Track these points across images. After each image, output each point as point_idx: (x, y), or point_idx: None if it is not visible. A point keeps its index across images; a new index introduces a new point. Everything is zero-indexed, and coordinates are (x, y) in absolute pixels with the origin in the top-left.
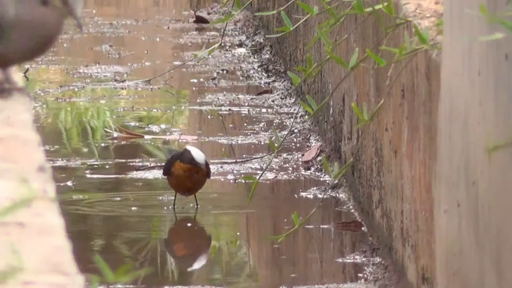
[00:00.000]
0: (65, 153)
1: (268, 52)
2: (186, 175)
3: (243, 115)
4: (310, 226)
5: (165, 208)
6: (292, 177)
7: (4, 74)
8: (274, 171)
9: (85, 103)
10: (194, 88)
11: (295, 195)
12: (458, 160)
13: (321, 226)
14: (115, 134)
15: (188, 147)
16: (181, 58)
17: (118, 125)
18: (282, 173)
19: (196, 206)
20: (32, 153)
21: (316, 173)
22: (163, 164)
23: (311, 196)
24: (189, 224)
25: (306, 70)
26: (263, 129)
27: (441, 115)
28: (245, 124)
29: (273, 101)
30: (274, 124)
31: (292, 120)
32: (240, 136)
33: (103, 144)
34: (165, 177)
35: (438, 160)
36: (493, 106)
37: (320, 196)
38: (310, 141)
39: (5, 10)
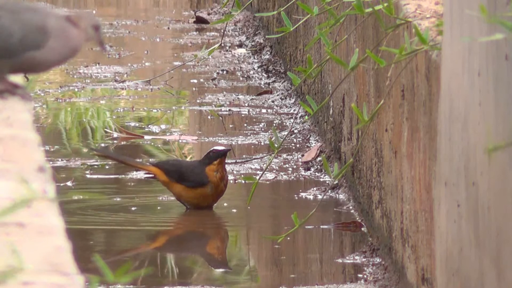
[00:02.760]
0: (65, 153)
1: (268, 53)
2: (220, 177)
3: (243, 115)
4: (310, 227)
5: (165, 208)
6: (292, 177)
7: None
8: (274, 171)
9: (85, 103)
10: (194, 89)
11: (295, 195)
12: (458, 160)
13: (321, 227)
14: (115, 135)
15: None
16: (181, 59)
17: (118, 125)
18: (282, 173)
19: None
20: (32, 153)
21: (316, 173)
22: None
23: (311, 197)
24: (189, 224)
25: (306, 70)
26: (263, 129)
27: (441, 115)
28: (245, 125)
29: (273, 101)
30: (274, 124)
31: (292, 120)
32: (240, 136)
33: (103, 145)
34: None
35: (438, 160)
36: (493, 106)
37: (320, 196)
38: (310, 141)
39: (47, 19)
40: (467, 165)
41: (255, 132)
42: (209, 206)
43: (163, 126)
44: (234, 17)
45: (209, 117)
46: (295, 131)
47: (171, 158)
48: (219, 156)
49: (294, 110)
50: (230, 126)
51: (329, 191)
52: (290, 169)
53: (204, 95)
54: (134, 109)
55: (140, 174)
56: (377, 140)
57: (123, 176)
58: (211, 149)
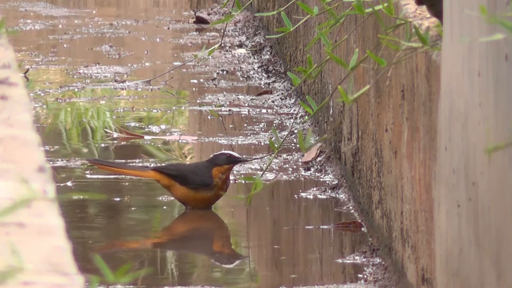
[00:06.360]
0: (65, 153)
1: (268, 53)
2: (224, 179)
3: (243, 115)
4: (310, 227)
5: (164, 208)
6: (292, 177)
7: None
8: (274, 171)
9: (85, 103)
10: (194, 89)
11: (295, 195)
12: (458, 160)
13: (321, 227)
14: (115, 135)
15: (218, 153)
16: (181, 59)
17: (118, 125)
18: (282, 173)
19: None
20: (32, 153)
21: (316, 173)
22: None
23: (311, 197)
24: (189, 225)
25: (306, 70)
26: (263, 129)
27: (441, 115)
28: (245, 125)
29: (273, 101)
30: (274, 124)
31: (292, 120)
32: (240, 136)
33: (103, 145)
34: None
35: (438, 160)
36: (493, 106)
37: (320, 196)
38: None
39: None
40: (467, 165)
41: (255, 132)
42: (208, 207)
43: (163, 126)
44: (234, 17)
45: (209, 117)
46: (295, 131)
47: (171, 159)
48: (234, 163)
49: (294, 110)
50: (230, 126)
51: (329, 191)
52: (290, 169)
53: (204, 95)
54: (134, 109)
55: None
56: (377, 140)
57: (123, 176)
58: (227, 152)
